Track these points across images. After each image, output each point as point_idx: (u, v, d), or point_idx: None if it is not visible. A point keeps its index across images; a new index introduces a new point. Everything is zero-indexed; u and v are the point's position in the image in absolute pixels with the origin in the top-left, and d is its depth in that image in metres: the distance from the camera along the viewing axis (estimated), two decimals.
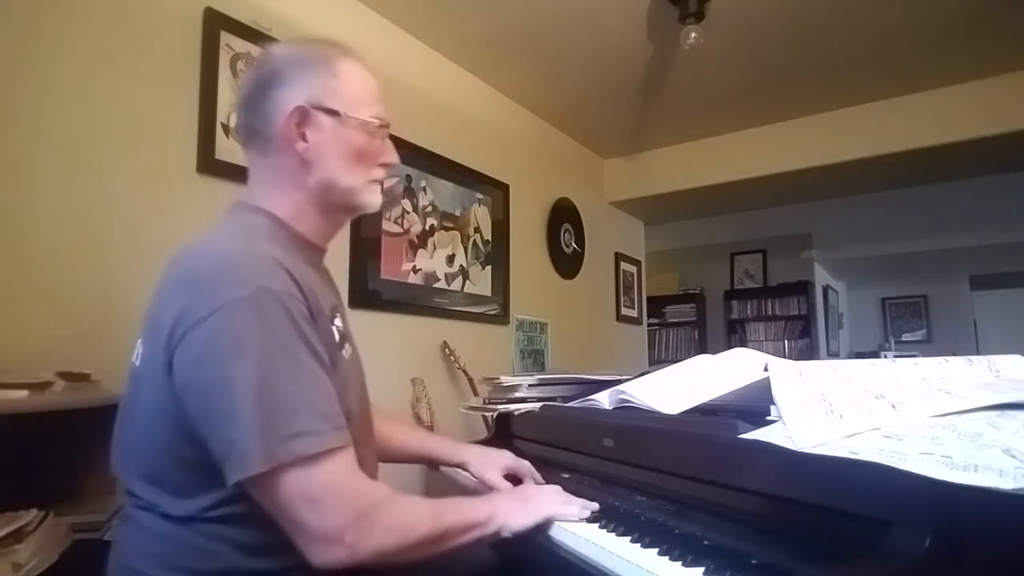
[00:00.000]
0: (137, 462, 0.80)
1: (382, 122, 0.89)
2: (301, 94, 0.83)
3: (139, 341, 0.83)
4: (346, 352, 0.88)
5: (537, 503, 0.91)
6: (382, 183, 0.93)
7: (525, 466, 1.16)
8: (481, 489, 1.15)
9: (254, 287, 0.72)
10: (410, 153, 2.44)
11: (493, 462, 1.16)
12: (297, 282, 0.77)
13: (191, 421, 0.72)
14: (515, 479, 1.15)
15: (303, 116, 0.83)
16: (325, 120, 0.84)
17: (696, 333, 6.02)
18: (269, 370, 0.70)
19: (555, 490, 0.97)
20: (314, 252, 0.92)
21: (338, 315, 0.89)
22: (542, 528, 0.89)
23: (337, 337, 0.85)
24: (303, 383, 0.72)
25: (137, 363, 0.82)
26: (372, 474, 0.93)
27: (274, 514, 0.72)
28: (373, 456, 0.98)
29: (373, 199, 0.91)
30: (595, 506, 0.92)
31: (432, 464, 1.27)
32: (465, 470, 1.18)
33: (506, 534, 0.87)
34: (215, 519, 0.75)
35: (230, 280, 0.73)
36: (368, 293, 2.24)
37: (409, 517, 0.77)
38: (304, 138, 0.83)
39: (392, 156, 0.92)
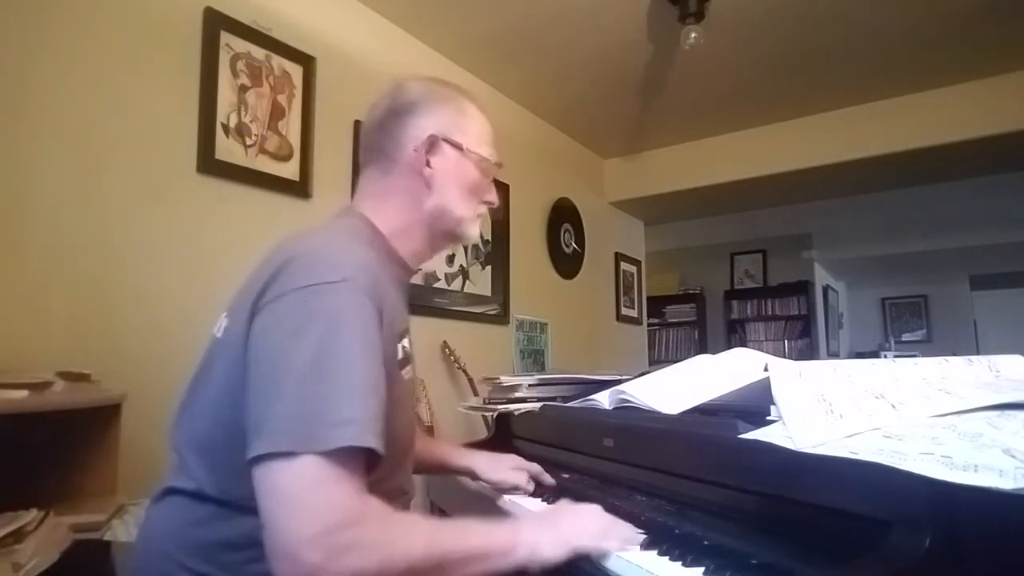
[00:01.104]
0: (194, 431, 0.80)
1: (497, 162, 0.97)
2: (433, 125, 0.90)
3: (223, 315, 0.85)
4: (406, 373, 0.87)
5: (573, 530, 0.78)
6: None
7: (534, 468, 1.15)
8: (488, 493, 1.15)
9: (341, 277, 0.73)
10: None
11: (502, 464, 1.15)
12: (379, 291, 0.78)
13: (245, 390, 0.72)
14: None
15: (432, 144, 0.90)
16: (450, 151, 0.91)
17: (696, 333, 6.02)
18: (328, 356, 0.69)
19: (593, 512, 0.83)
20: (403, 271, 0.94)
21: (406, 338, 0.88)
22: None
23: (400, 355, 0.84)
24: (356, 381, 0.70)
25: (218, 334, 0.83)
26: (408, 495, 0.91)
27: (260, 506, 0.66)
28: (409, 480, 0.94)
29: (474, 231, 0.98)
30: (640, 538, 0.79)
31: (439, 471, 1.25)
32: (473, 476, 1.17)
33: (535, 568, 0.75)
34: (251, 510, 0.71)
35: (320, 265, 0.75)
36: None
37: (398, 546, 0.67)
38: (429, 164, 0.90)
39: (495, 197, 1.00)
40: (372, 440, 0.67)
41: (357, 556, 0.64)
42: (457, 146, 0.91)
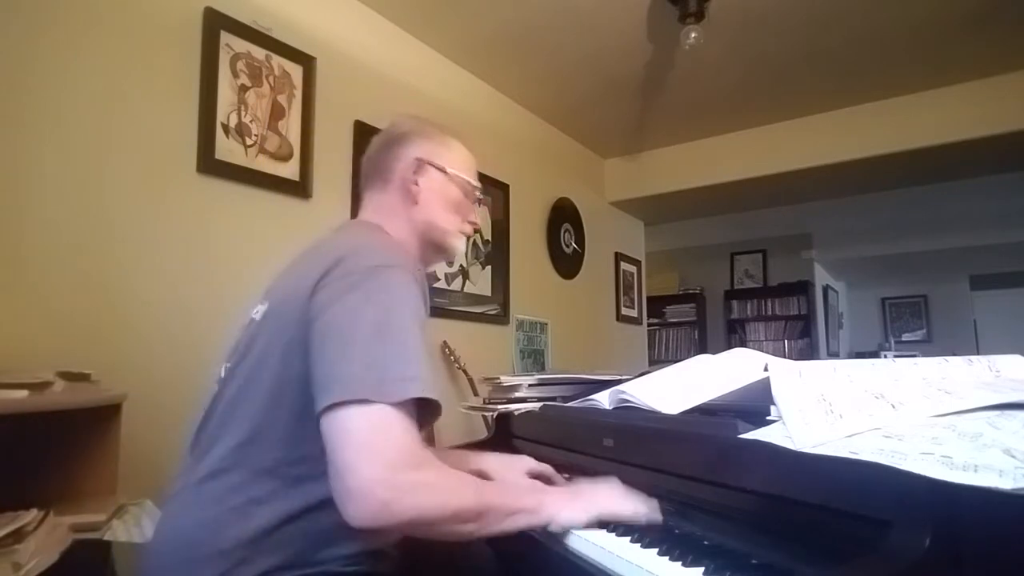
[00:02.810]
0: (234, 415, 0.85)
1: (477, 186, 1.12)
2: (420, 151, 1.06)
3: (260, 303, 0.95)
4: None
5: (590, 498, 0.88)
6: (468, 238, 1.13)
7: (548, 469, 1.15)
8: None
9: (396, 262, 0.87)
10: None
11: (514, 466, 1.16)
12: (419, 279, 0.90)
13: (306, 357, 0.79)
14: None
15: (419, 166, 1.05)
16: (435, 173, 1.06)
17: (696, 333, 6.02)
18: (391, 323, 0.79)
19: (611, 484, 0.93)
20: (421, 273, 1.02)
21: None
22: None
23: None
24: (414, 344, 0.80)
25: (257, 318, 0.93)
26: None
27: (329, 452, 0.73)
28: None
29: (459, 245, 1.10)
30: (656, 507, 0.87)
31: None
32: (486, 478, 1.17)
33: (555, 528, 0.85)
34: (297, 480, 0.79)
35: (379, 252, 0.89)
36: None
37: (450, 492, 0.77)
38: (416, 183, 1.04)
39: (478, 219, 1.13)
40: (433, 394, 0.77)
41: (421, 496, 0.73)
42: (441, 169, 1.06)
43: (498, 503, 0.81)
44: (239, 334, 0.95)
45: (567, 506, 0.86)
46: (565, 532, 0.85)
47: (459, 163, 1.10)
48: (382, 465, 0.72)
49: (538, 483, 1.09)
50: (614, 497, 0.89)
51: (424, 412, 0.79)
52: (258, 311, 0.94)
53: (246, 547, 0.77)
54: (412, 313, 0.83)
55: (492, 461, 1.18)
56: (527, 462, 1.17)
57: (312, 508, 0.80)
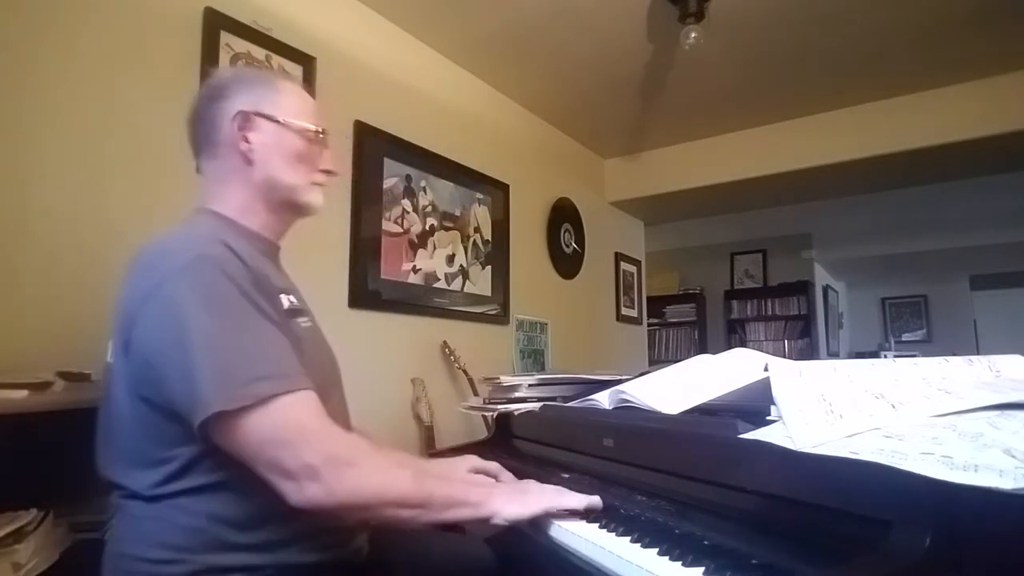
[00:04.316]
0: (117, 451, 0.85)
1: (319, 129, 0.99)
2: (243, 103, 0.94)
3: (110, 342, 0.88)
4: (303, 322, 0.93)
5: (536, 495, 0.89)
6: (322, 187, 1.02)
7: (493, 465, 1.15)
8: None
9: (191, 256, 0.79)
10: (410, 153, 2.45)
11: (457, 466, 1.14)
12: (237, 254, 0.83)
13: (157, 389, 0.78)
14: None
15: (245, 120, 0.93)
16: (266, 125, 0.94)
17: (696, 333, 6.02)
18: (218, 324, 0.75)
19: (556, 488, 0.94)
20: (266, 244, 0.98)
21: (291, 295, 0.94)
22: (542, 527, 0.89)
23: (287, 305, 0.90)
24: (253, 333, 0.77)
25: (110, 360, 0.87)
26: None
27: (250, 460, 0.74)
28: (343, 416, 1.00)
29: (314, 199, 0.99)
30: (596, 499, 0.88)
31: None
32: None
33: (499, 521, 0.85)
34: (194, 490, 0.79)
35: (168, 256, 0.82)
36: (368, 293, 2.24)
37: (389, 469, 0.78)
38: (247, 140, 0.93)
39: (331, 163, 1.02)
40: (299, 381, 0.76)
41: (357, 480, 0.75)
42: (271, 118, 0.94)
43: (440, 493, 0.82)
44: (104, 376, 0.91)
45: (512, 501, 0.86)
46: (559, 529, 0.86)
47: (292, 106, 0.97)
48: (307, 452, 0.73)
49: (483, 478, 1.09)
50: (560, 492, 0.89)
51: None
52: (109, 353, 0.88)
53: (170, 550, 0.78)
54: (229, 302, 0.78)
55: (436, 467, 1.16)
56: (471, 460, 1.16)
57: (227, 500, 0.80)
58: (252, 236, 0.95)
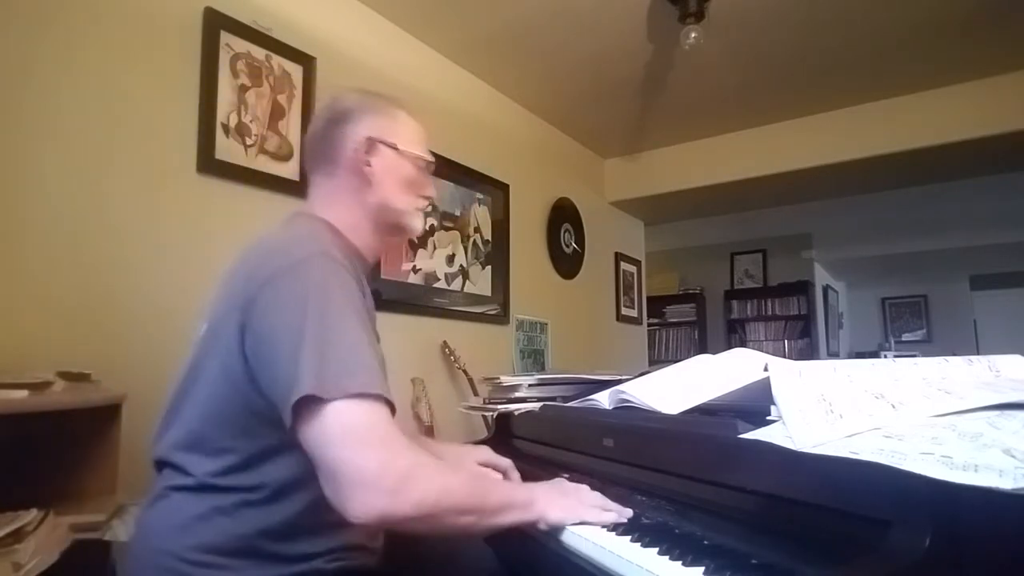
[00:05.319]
0: (183, 431, 0.85)
1: (429, 160, 1.07)
2: (369, 129, 1.00)
3: (203, 324, 0.92)
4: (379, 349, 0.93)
5: (576, 500, 0.89)
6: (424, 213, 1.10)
7: (505, 461, 1.16)
8: None
9: (318, 251, 0.84)
10: None
11: (469, 455, 1.17)
12: (349, 266, 0.87)
13: (255, 374, 0.79)
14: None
15: (370, 145, 0.99)
16: (387, 151, 1.01)
17: (696, 333, 6.02)
18: (330, 320, 0.78)
19: (588, 489, 0.94)
20: (365, 264, 1.03)
21: (374, 320, 0.97)
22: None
23: (375, 328, 0.93)
24: (359, 337, 0.79)
25: (203, 336, 0.90)
26: None
27: (319, 456, 0.73)
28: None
29: (416, 223, 1.07)
30: (630, 512, 0.88)
31: None
32: None
33: (543, 526, 0.85)
34: (245, 489, 0.79)
35: (296, 246, 0.86)
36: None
37: (449, 479, 0.77)
38: (369, 164, 0.99)
39: (433, 191, 1.09)
40: (383, 388, 0.76)
41: (420, 485, 0.73)
42: (392, 146, 1.01)
43: (495, 496, 0.82)
44: (188, 355, 0.93)
45: (554, 504, 0.86)
46: (562, 530, 0.86)
47: (410, 137, 1.04)
48: (376, 455, 0.71)
49: (493, 472, 1.11)
50: (596, 507, 0.88)
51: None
52: (200, 330, 0.92)
53: (211, 553, 0.78)
54: (345, 300, 0.81)
55: (449, 451, 1.19)
56: (483, 452, 1.18)
57: (273, 514, 0.80)
58: (354, 252, 0.99)
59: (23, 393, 1.05)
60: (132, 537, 0.87)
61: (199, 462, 0.82)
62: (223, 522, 0.79)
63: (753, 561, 0.67)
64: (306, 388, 0.72)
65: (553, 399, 1.46)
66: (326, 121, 1.03)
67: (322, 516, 0.77)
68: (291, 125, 2.01)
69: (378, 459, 0.71)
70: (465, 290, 2.72)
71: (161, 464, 0.88)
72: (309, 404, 0.73)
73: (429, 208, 1.08)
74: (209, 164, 1.77)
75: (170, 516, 0.82)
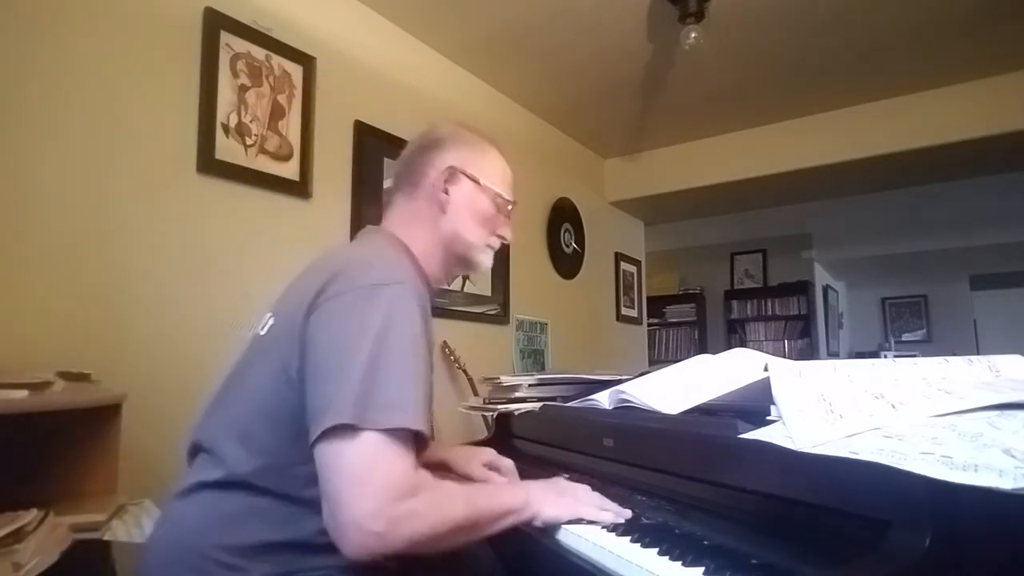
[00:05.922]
0: (234, 421, 0.85)
1: (510, 200, 1.07)
2: (453, 158, 1.02)
3: (268, 315, 0.93)
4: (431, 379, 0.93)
5: (572, 498, 0.90)
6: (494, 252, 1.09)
7: (507, 463, 1.17)
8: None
9: (397, 279, 0.84)
10: None
11: (475, 457, 1.18)
12: (421, 296, 0.88)
13: (303, 380, 0.79)
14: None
15: (451, 174, 1.01)
16: (467, 183, 1.02)
17: (696, 333, 6.02)
18: (386, 349, 0.77)
19: (587, 489, 0.95)
20: (429, 289, 1.02)
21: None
22: (546, 527, 0.89)
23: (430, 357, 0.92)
24: (411, 371, 0.79)
25: (262, 332, 0.91)
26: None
27: (323, 476, 0.74)
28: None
29: (485, 260, 1.07)
30: (628, 513, 0.89)
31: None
32: (448, 469, 1.19)
33: (538, 523, 0.86)
34: (277, 495, 0.79)
35: (377, 268, 0.86)
36: None
37: (445, 511, 0.77)
38: (447, 192, 1.01)
39: (509, 233, 1.09)
40: (420, 425, 0.76)
41: (413, 524, 0.73)
42: (473, 179, 1.02)
43: (489, 507, 0.83)
44: (246, 344, 0.94)
45: (550, 502, 0.88)
46: (557, 528, 0.86)
47: (494, 174, 1.05)
48: (373, 498, 0.71)
49: (495, 475, 1.12)
50: (594, 504, 0.89)
51: (417, 438, 0.78)
52: (264, 325, 0.92)
53: (237, 555, 0.78)
54: (408, 335, 0.80)
55: (455, 453, 1.21)
56: (487, 453, 1.18)
57: (303, 522, 0.79)
58: (424, 279, 1.00)
59: (23, 393, 1.05)
60: (158, 528, 0.86)
61: (238, 456, 0.81)
62: (256, 525, 0.79)
63: (753, 561, 0.67)
64: (343, 415, 0.72)
65: (553, 399, 1.46)
66: (418, 146, 1.06)
67: None
68: (291, 125, 2.01)
69: (376, 505, 0.71)
70: (465, 290, 2.72)
71: (197, 449, 0.88)
72: (337, 427, 0.73)
73: (497, 246, 1.09)
74: (209, 164, 1.77)
75: (204, 512, 0.81)
